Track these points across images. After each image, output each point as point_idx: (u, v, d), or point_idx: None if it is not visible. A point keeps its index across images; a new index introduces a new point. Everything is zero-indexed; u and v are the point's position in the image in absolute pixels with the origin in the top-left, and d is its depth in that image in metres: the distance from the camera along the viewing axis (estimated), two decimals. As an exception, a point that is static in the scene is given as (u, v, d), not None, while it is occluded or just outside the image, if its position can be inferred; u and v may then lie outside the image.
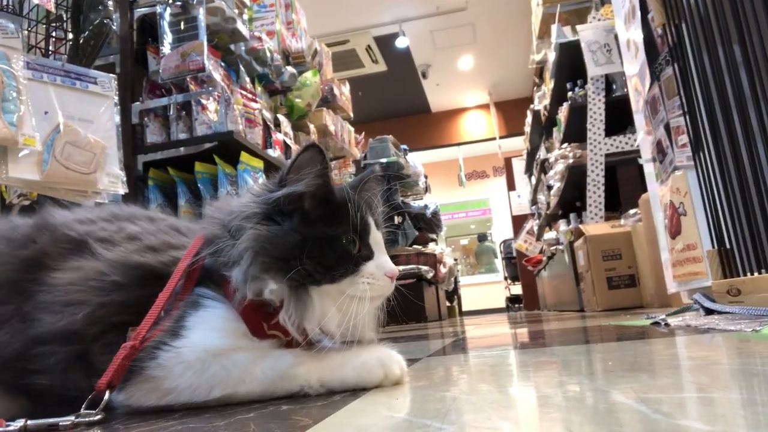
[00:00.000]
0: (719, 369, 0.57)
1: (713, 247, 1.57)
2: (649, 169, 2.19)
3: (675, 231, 1.93)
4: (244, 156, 2.47)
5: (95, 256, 0.63)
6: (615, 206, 3.78)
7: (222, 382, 0.55)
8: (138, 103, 2.41)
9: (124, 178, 1.54)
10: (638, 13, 2.04)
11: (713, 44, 1.50)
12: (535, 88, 5.84)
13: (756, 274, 1.37)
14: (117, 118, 1.70)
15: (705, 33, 1.52)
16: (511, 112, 8.67)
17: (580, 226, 3.62)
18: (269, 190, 0.63)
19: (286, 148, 3.10)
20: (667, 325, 1.24)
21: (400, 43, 6.94)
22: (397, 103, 8.80)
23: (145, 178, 2.36)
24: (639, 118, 2.24)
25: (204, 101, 2.52)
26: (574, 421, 0.37)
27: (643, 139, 2.20)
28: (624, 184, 3.57)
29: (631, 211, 3.18)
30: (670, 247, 2.03)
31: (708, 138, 1.59)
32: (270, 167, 2.77)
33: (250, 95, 2.86)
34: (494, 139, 8.80)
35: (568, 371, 0.67)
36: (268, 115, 3.07)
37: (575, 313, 3.66)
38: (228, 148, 2.43)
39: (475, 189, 10.67)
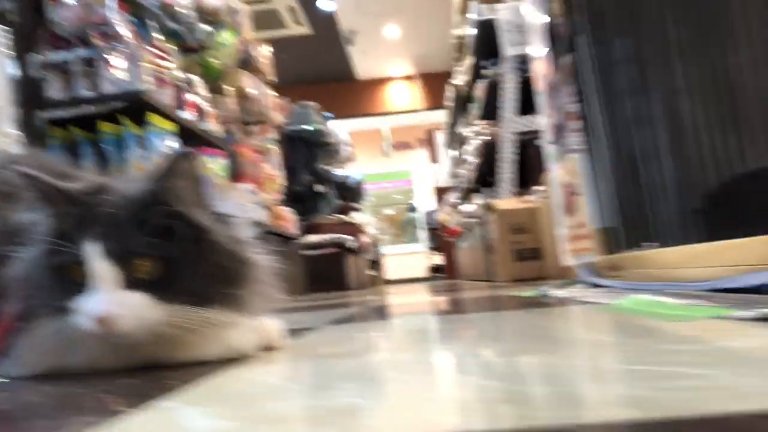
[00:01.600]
0: (545, 334, 0.64)
1: (598, 225, 1.71)
2: (550, 150, 2.33)
3: (569, 209, 2.08)
4: (154, 117, 2.38)
5: None
6: (526, 182, 3.98)
7: (81, 349, 0.57)
8: (36, 55, 2.24)
9: (19, 138, 1.45)
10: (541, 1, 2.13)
11: (607, 37, 1.61)
12: (454, 63, 5.94)
13: (633, 251, 1.52)
14: (10, 72, 1.58)
15: (599, 26, 1.63)
16: (435, 84, 8.77)
17: (492, 200, 3.79)
18: None
19: (200, 110, 3.01)
20: (546, 296, 1.36)
21: (325, 5, 6.81)
22: (322, 68, 8.66)
23: (45, 136, 2.23)
24: (541, 99, 2.37)
25: (110, 57, 2.39)
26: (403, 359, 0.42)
27: (543, 122, 2.33)
28: (533, 162, 3.75)
29: (538, 188, 3.37)
30: (566, 223, 2.19)
31: (598, 125, 1.72)
32: (183, 130, 2.69)
33: (161, 53, 2.73)
34: (418, 110, 8.90)
35: (423, 335, 0.73)
36: (180, 75, 2.95)
37: (485, 282, 3.85)
38: (136, 108, 2.33)
39: (399, 159, 10.79)
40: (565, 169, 2.14)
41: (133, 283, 0.53)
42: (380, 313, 1.47)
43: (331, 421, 0.32)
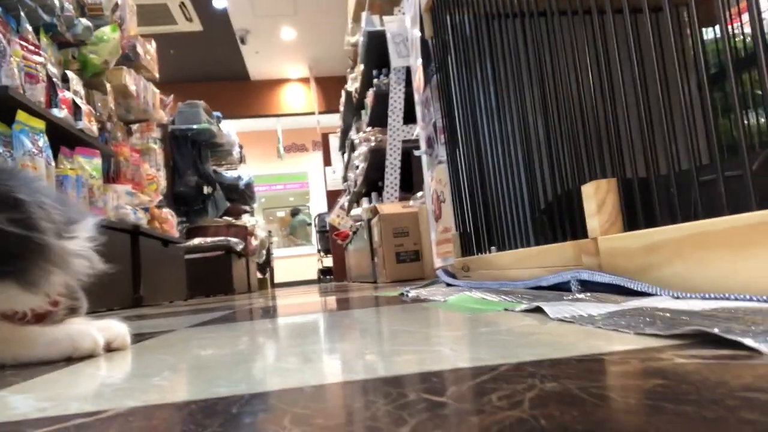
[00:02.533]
0: (368, 327, 0.77)
1: (456, 230, 1.90)
2: (424, 160, 2.51)
3: (438, 215, 2.26)
4: (22, 115, 2.27)
5: None
6: (410, 188, 4.19)
7: None
8: None
9: None
10: (418, 19, 2.31)
11: (471, 62, 1.80)
12: (349, 70, 6.09)
13: (481, 254, 1.71)
14: None
15: (464, 49, 1.82)
16: (330, 88, 8.89)
17: (377, 205, 3.95)
18: None
19: (76, 107, 2.89)
20: (407, 295, 1.51)
21: (218, 3, 6.69)
22: (213, 67, 8.47)
23: None
24: (418, 111, 2.55)
25: (-29, 49, 2.25)
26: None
27: (419, 132, 2.52)
28: (416, 169, 3.97)
29: (419, 194, 3.58)
30: (436, 228, 2.37)
31: (460, 139, 1.91)
32: (55, 128, 2.57)
33: (32, 47, 2.60)
34: (313, 113, 8.96)
35: (268, 332, 0.83)
36: (54, 70, 2.82)
37: (369, 284, 4.01)
38: (2, 104, 2.21)
39: (293, 162, 10.77)
40: (435, 178, 2.33)
41: None
42: (249, 314, 1.54)
43: (132, 395, 0.40)
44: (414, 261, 3.67)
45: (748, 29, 1.72)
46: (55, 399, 0.42)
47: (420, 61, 2.40)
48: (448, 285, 1.69)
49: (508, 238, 1.61)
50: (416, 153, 2.64)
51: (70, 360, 0.65)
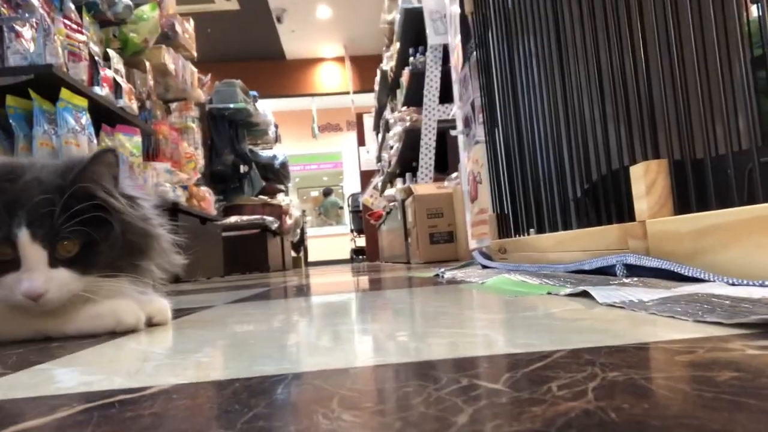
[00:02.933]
0: (408, 307, 0.75)
1: (493, 211, 1.86)
2: (461, 140, 2.47)
3: (474, 196, 2.23)
4: (65, 93, 2.32)
5: None
6: (444, 168, 4.15)
7: None
8: (-68, 21, 2.13)
9: None
10: (459, -4, 2.25)
11: (513, 37, 1.75)
12: (384, 48, 6.02)
13: (519, 236, 1.68)
14: None
15: (506, 25, 1.76)
16: (365, 67, 8.82)
17: (411, 185, 3.93)
18: None
19: (116, 86, 2.94)
20: (442, 276, 1.49)
21: (255, -17, 6.68)
22: (249, 46, 8.50)
23: (-58, 108, 2.12)
24: (455, 90, 2.50)
25: (19, 28, 2.30)
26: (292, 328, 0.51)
27: (456, 112, 2.47)
28: (451, 150, 3.92)
29: (453, 175, 3.53)
30: (471, 209, 2.34)
31: (499, 118, 1.86)
32: (96, 106, 2.62)
33: (75, 26, 2.64)
34: (348, 93, 8.93)
35: (302, 311, 0.82)
36: (96, 48, 2.86)
37: (402, 264, 4.00)
38: (46, 82, 2.26)
39: (327, 142, 10.79)
40: (471, 158, 2.29)
41: (57, 260, 0.62)
42: (285, 293, 1.55)
43: (175, 372, 0.40)
44: (448, 242, 3.64)
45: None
46: (99, 373, 0.42)
47: (459, 38, 2.35)
48: (484, 267, 1.67)
49: (547, 220, 1.57)
50: (452, 133, 2.59)
51: (113, 334, 0.66)
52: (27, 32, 2.34)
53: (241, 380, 0.36)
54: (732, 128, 0.88)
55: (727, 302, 0.55)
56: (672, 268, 0.81)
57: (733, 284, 0.70)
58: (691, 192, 0.91)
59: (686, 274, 0.79)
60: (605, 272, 1.07)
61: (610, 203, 1.22)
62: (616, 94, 1.17)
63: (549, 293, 0.80)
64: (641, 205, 0.97)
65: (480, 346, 0.43)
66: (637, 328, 0.46)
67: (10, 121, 2.20)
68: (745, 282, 0.69)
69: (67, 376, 0.42)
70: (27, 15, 2.32)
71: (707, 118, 0.90)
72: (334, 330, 0.60)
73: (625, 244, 1.04)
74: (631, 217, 1.01)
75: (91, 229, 0.62)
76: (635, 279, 0.87)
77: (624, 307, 0.59)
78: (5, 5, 2.26)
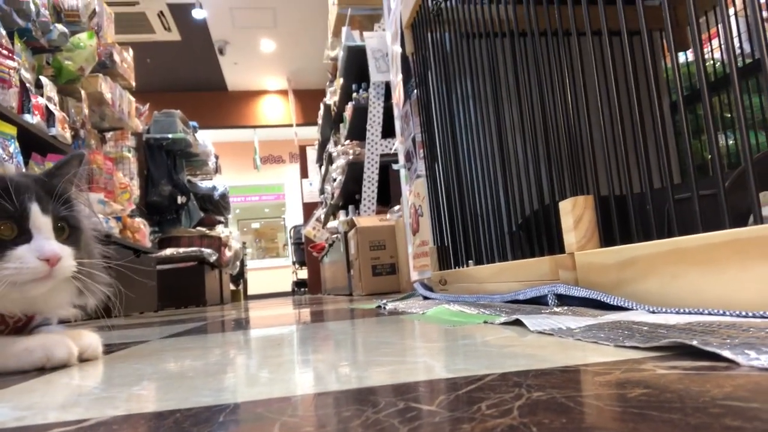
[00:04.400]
0: (346, 338, 0.77)
1: (434, 244, 1.91)
2: (402, 174, 2.53)
3: (415, 229, 2.27)
4: (-8, 120, 2.22)
5: None
6: (387, 201, 4.20)
7: None
8: None
9: None
10: (399, 35, 2.34)
11: (451, 77, 1.82)
12: (328, 83, 6.10)
13: (458, 267, 1.72)
14: None
15: (444, 66, 1.84)
16: (308, 101, 8.90)
17: (354, 218, 3.95)
18: None
19: (49, 114, 2.84)
20: (384, 308, 1.51)
21: (197, 14, 6.66)
22: (191, 77, 8.41)
23: None
24: (397, 125, 2.57)
25: (-59, 51, 2.19)
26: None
27: (398, 146, 2.53)
28: (393, 182, 3.99)
29: (396, 207, 3.59)
30: (413, 241, 2.38)
31: (439, 153, 1.92)
32: (26, 134, 2.52)
33: (5, 51, 2.55)
34: (291, 125, 8.95)
35: (227, 344, 0.82)
36: (27, 75, 2.77)
37: (344, 296, 3.99)
38: (-29, 109, 2.16)
39: (270, 173, 10.72)
40: (413, 192, 2.35)
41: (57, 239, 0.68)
42: (222, 326, 1.52)
43: (113, 404, 0.40)
44: (390, 274, 3.67)
45: (717, 54, 1.79)
46: (32, 408, 0.41)
47: (400, 76, 2.42)
48: (426, 298, 1.70)
49: (485, 252, 1.63)
50: (395, 167, 2.65)
51: (42, 370, 0.63)
52: (-48, 56, 2.24)
53: (181, 410, 0.36)
54: (650, 167, 0.95)
55: (645, 328, 0.59)
56: (598, 298, 0.86)
57: (653, 312, 0.75)
58: (615, 226, 0.98)
59: (611, 303, 0.84)
60: (538, 302, 1.12)
61: (542, 236, 1.28)
62: (546, 135, 1.24)
63: (485, 322, 0.83)
64: (570, 238, 1.02)
65: (419, 372, 0.45)
66: (563, 353, 0.50)
67: (-71, 147, 2.08)
68: (663, 309, 0.75)
69: (-3, 413, 0.41)
70: (-47, 38, 2.22)
71: (628, 157, 0.97)
72: (275, 362, 0.60)
73: (557, 274, 1.10)
74: (562, 250, 1.07)
75: (75, 217, 0.71)
76: (565, 308, 0.92)
77: (553, 334, 0.63)
78: (-71, 27, 2.16)
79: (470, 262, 1.67)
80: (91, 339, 0.72)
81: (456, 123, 1.85)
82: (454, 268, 1.76)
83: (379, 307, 1.57)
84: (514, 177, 1.45)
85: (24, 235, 0.64)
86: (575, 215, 1.01)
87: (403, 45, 2.29)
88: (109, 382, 0.53)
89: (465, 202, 1.70)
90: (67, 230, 0.69)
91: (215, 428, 0.31)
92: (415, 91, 2.14)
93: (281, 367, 0.55)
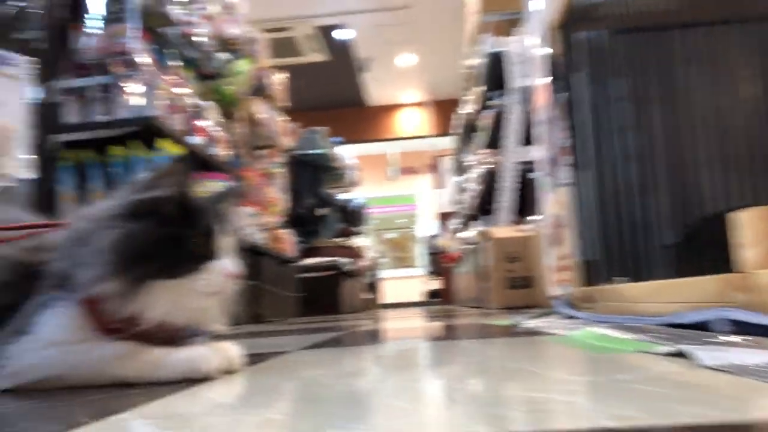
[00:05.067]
0: (484, 361, 0.72)
1: (579, 258, 1.78)
2: (543, 183, 2.41)
3: (556, 240, 2.15)
4: (164, 142, 2.49)
5: None
6: (524, 211, 4.05)
7: (55, 364, 0.65)
8: (58, 81, 2.38)
9: (32, 163, 1.56)
10: (544, 37, 2.24)
11: (601, 78, 1.71)
12: (464, 92, 6.07)
13: (605, 284, 1.59)
14: (31, 98, 1.70)
15: (597, 66, 1.72)
16: (444, 111, 8.91)
17: (489, 228, 3.86)
18: (129, 194, 0.71)
19: (211, 135, 3.13)
20: (522, 326, 1.43)
21: (343, 34, 7.00)
22: (336, 94, 8.84)
23: (58, 158, 2.34)
24: (539, 132, 2.46)
25: (127, 84, 2.52)
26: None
27: (539, 154, 2.42)
28: (531, 192, 3.82)
29: (533, 218, 3.44)
30: (553, 254, 2.26)
31: (587, 161, 1.80)
32: (192, 154, 2.80)
33: (176, 80, 2.86)
34: (426, 137, 9.03)
35: (376, 358, 0.81)
36: (194, 101, 3.08)
37: (477, 309, 3.90)
38: (148, 132, 2.45)
39: (405, 184, 10.90)
40: (555, 201, 2.22)
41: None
42: (359, 338, 1.54)
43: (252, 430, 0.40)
44: (526, 287, 3.52)
45: None
46: (175, 428, 0.43)
47: (543, 80, 2.32)
48: (568, 317, 1.58)
49: (637, 268, 1.49)
50: (535, 175, 2.54)
51: (190, 381, 0.67)
52: (134, 88, 2.55)
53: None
54: None
55: None
56: (786, 328, 0.73)
57: None
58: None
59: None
60: (700, 328, 0.98)
61: (708, 251, 1.13)
62: (724, 136, 1.10)
63: (642, 351, 0.74)
64: (747, 254, 0.89)
65: (569, 416, 0.40)
66: (753, 400, 0.41)
67: (113, 168, 2.39)
68: None
69: (144, 430, 0.43)
70: (136, 72, 2.53)
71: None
72: (410, 387, 0.58)
73: (726, 296, 0.96)
74: (729, 268, 0.93)
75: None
76: (741, 337, 0.79)
77: (732, 371, 0.53)
78: (118, 64, 2.49)
79: (620, 278, 1.53)
80: (232, 352, 0.75)
81: (608, 126, 1.72)
82: (601, 284, 1.62)
83: (516, 324, 1.49)
84: (678, 183, 1.31)
85: (210, 252, 0.71)
86: (754, 230, 0.87)
87: (548, 47, 2.19)
88: (247, 400, 0.55)
89: (615, 213, 1.57)
90: (235, 249, 0.76)
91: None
92: (561, 94, 2.03)
93: (416, 395, 0.53)
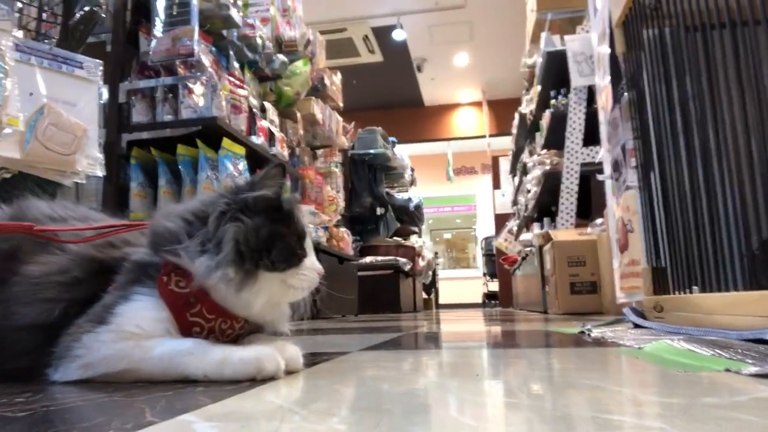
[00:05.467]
0: (552, 375, 0.68)
1: (648, 264, 1.69)
2: (609, 185, 2.31)
3: (623, 246, 2.05)
4: (226, 142, 2.56)
5: (62, 250, 0.74)
6: (587, 214, 3.91)
7: (127, 358, 0.66)
8: (126, 82, 2.48)
9: (103, 161, 1.63)
10: (608, 35, 2.14)
11: (667, 76, 1.61)
12: (524, 91, 5.93)
13: (678, 293, 1.49)
14: (103, 98, 1.78)
15: (660, 65, 1.63)
16: (502, 111, 8.76)
17: (550, 231, 3.75)
18: (241, 191, 0.75)
19: (271, 135, 3.19)
20: (589, 334, 1.36)
21: (398, 35, 6.99)
22: (391, 95, 8.86)
23: (128, 156, 2.45)
24: (603, 132, 2.36)
25: (191, 85, 2.60)
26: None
27: (604, 155, 2.32)
28: (595, 194, 3.69)
29: (598, 221, 3.31)
30: (619, 260, 2.16)
31: (655, 163, 1.71)
32: (253, 154, 2.86)
33: (237, 81, 2.93)
34: (484, 137, 8.90)
35: (427, 367, 0.78)
36: (254, 101, 3.15)
37: (538, 314, 3.79)
38: (211, 132, 2.52)
39: (462, 184, 10.79)
40: (621, 205, 2.12)
41: None
42: (417, 341, 1.52)
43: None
44: (590, 293, 3.39)
45: None
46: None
47: (608, 78, 2.22)
48: (637, 326, 1.50)
49: (713, 277, 1.39)
50: (600, 177, 2.44)
51: (253, 381, 0.66)
52: (198, 89, 2.63)
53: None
54: None
55: None
56: None
57: None
58: None
59: None
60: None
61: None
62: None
63: (728, 370, 0.68)
64: None
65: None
66: None
67: (179, 167, 2.47)
68: None
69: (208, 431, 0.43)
70: (199, 74, 2.61)
71: None
72: (473, 401, 0.55)
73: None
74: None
75: None
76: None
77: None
78: (181, 65, 2.57)
79: (694, 287, 1.43)
80: (294, 352, 0.75)
81: (678, 126, 1.62)
82: (673, 293, 1.53)
83: (583, 332, 1.43)
84: (759, 183, 1.21)
85: (302, 250, 0.76)
86: None
87: (612, 45, 2.10)
88: (310, 407, 0.53)
89: (684, 217, 1.47)
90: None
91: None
92: (626, 94, 1.93)
93: (480, 413, 0.50)
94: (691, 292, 1.42)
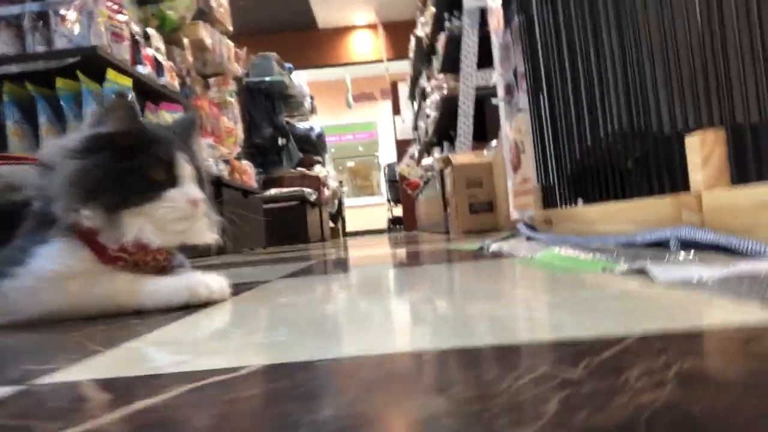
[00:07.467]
0: (464, 286, 0.77)
1: (538, 182, 1.84)
2: (502, 108, 2.43)
3: (516, 165, 2.21)
4: (111, 73, 2.38)
5: None
6: (484, 137, 4.09)
7: (60, 298, 0.67)
8: (-15, 8, 2.20)
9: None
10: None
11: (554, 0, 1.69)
12: (418, 13, 5.90)
13: (565, 207, 1.66)
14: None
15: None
16: (399, 34, 8.68)
17: (449, 154, 3.90)
18: (85, 129, 0.73)
19: (158, 64, 2.99)
20: (488, 249, 1.49)
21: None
22: (282, 16, 8.45)
23: (-2, 92, 2.21)
24: (496, 56, 2.45)
25: (63, 12, 2.35)
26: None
27: (497, 79, 2.43)
28: (491, 117, 3.86)
29: (493, 143, 3.49)
30: (513, 179, 2.32)
31: (543, 86, 1.82)
32: (140, 85, 2.68)
33: (116, 6, 2.68)
34: (382, 61, 8.83)
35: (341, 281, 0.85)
36: (136, 28, 2.91)
37: (441, 235, 4.01)
38: (92, 63, 2.32)
39: (362, 111, 10.75)
40: (514, 127, 2.26)
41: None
42: (331, 265, 1.58)
43: (262, 352, 0.43)
44: (488, 212, 3.62)
45: None
46: (186, 353, 0.45)
47: (499, 1, 2.29)
48: (529, 239, 1.66)
49: (594, 191, 1.55)
50: (494, 101, 2.56)
51: (185, 309, 0.69)
52: (71, 15, 2.39)
53: (325, 360, 0.38)
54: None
55: (794, 281, 0.54)
56: (730, 244, 0.80)
57: (796, 259, 0.68)
58: (749, 162, 0.89)
59: (747, 249, 0.77)
60: (657, 246, 1.05)
61: (663, 173, 1.19)
62: (673, 57, 1.13)
63: (604, 269, 0.80)
64: (697, 176, 0.95)
65: (549, 330, 0.44)
66: (706, 311, 0.47)
67: (61, 102, 2.28)
68: (809, 257, 0.68)
69: (159, 355, 0.46)
70: (72, -2, 2.36)
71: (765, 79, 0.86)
72: (380, 310, 0.61)
73: (679, 216, 1.02)
74: (685, 187, 0.99)
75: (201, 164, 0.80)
76: (690, 254, 0.86)
77: (684, 286, 0.59)
78: (51, -12, 2.31)
79: (579, 201, 1.60)
80: (221, 281, 0.78)
81: (564, 49, 1.72)
82: (561, 207, 1.70)
83: (482, 248, 1.56)
84: (633, 105, 1.34)
85: (172, 180, 0.73)
86: (704, 152, 0.92)
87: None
88: (247, 328, 0.57)
89: (573, 137, 1.61)
90: (199, 177, 0.78)
91: (381, 380, 0.32)
92: (516, 17, 2.01)
93: (387, 318, 0.57)
94: (575, 206, 1.58)
